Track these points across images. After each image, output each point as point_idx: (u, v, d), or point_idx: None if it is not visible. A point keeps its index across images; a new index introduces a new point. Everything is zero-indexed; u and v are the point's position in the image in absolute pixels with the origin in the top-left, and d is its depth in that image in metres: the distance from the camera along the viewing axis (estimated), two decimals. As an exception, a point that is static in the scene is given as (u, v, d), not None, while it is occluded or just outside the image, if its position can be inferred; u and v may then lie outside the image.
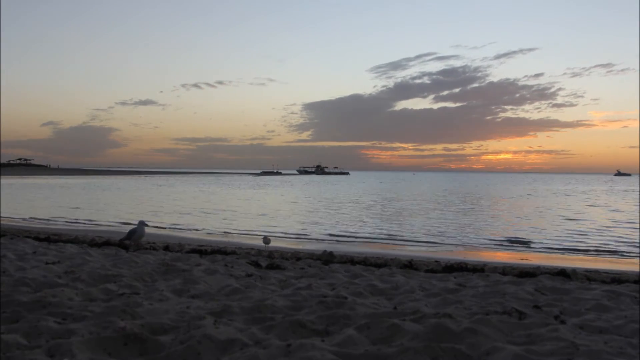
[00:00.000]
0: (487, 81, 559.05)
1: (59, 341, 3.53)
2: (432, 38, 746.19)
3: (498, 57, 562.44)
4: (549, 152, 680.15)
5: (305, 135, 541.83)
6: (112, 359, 3.46)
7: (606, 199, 47.06)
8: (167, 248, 11.12)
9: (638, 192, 59.06)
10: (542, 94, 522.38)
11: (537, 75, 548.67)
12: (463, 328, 3.94)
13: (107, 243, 11.34)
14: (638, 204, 38.98)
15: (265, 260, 9.38)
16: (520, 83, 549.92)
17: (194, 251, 10.54)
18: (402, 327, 4.02)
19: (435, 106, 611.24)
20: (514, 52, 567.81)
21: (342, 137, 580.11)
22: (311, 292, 5.82)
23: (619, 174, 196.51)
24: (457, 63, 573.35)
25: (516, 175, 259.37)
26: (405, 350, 3.46)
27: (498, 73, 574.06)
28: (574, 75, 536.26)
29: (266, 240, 12.38)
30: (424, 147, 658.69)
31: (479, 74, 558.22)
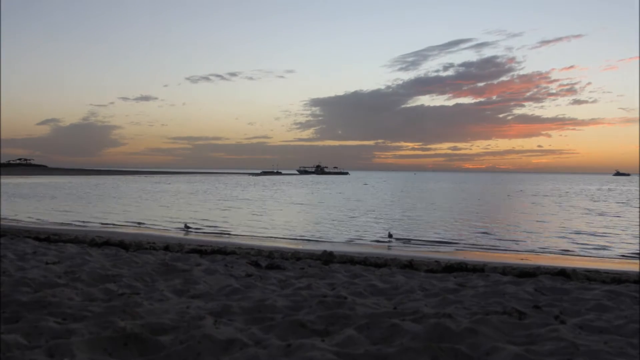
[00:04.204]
0: (518, 74, 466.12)
1: (59, 341, 3.53)
2: (470, 21, 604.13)
3: (538, 45, 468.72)
4: (555, 151, 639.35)
5: (308, 133, 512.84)
6: (112, 359, 3.46)
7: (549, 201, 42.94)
8: (167, 248, 11.12)
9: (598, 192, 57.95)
10: (571, 88, 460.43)
11: (570, 67, 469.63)
12: (463, 328, 3.94)
13: (107, 243, 11.34)
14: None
15: (265, 260, 9.39)
16: (552, 76, 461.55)
17: (194, 251, 10.55)
18: (402, 327, 4.02)
19: (451, 102, 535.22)
20: (560, 39, 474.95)
21: (346, 135, 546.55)
22: (311, 292, 5.82)
23: (617, 173, 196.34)
24: (490, 52, 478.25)
25: (509, 175, 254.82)
26: (405, 350, 3.46)
27: (530, 65, 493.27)
28: (609, 67, 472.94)
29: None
30: (429, 146, 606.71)
31: (513, 65, 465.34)
